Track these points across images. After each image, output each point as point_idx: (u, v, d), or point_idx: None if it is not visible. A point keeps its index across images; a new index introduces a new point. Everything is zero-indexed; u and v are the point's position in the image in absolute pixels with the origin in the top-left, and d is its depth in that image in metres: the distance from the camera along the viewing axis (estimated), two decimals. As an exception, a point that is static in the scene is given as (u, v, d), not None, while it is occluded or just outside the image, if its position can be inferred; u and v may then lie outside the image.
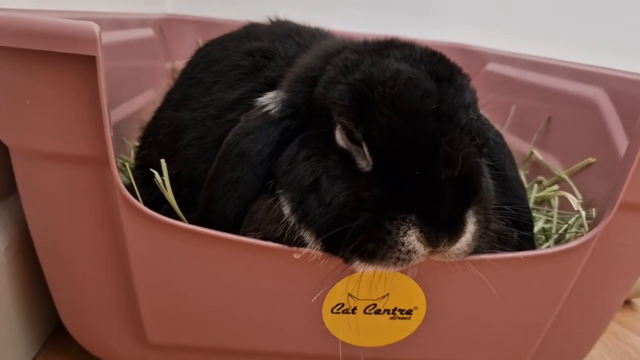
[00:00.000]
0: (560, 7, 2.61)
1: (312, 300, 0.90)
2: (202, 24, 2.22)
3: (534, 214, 1.30)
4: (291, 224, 0.86)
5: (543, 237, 1.25)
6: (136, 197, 0.87)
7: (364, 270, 0.82)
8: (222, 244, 0.87)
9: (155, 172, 0.93)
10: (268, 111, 0.94)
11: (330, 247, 0.84)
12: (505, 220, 0.94)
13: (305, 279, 0.90)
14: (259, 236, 0.88)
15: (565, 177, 1.34)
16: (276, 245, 0.87)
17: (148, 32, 1.88)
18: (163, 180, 0.94)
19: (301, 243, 0.86)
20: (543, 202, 1.38)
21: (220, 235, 0.86)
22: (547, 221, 1.30)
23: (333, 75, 0.89)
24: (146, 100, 1.68)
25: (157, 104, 1.33)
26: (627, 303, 1.66)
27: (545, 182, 1.44)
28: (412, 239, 0.77)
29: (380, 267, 0.80)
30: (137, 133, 1.45)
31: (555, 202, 1.31)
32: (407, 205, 0.77)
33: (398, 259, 0.78)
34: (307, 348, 0.99)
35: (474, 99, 0.89)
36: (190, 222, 0.91)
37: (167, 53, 2.04)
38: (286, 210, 0.87)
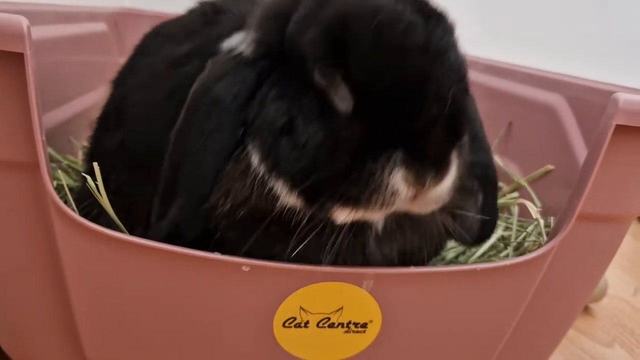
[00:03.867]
0: (522, 12, 2.63)
1: (262, 314, 0.86)
2: (161, 19, 2.10)
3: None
4: (260, 175, 0.77)
5: (502, 245, 1.24)
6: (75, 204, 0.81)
7: (347, 219, 0.75)
8: (163, 256, 0.81)
9: (88, 177, 0.86)
10: (240, 53, 0.83)
11: (307, 197, 0.75)
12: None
13: (254, 291, 0.85)
14: (229, 203, 0.79)
15: (525, 184, 1.33)
16: (223, 257, 0.82)
17: (100, 27, 1.81)
18: (97, 185, 0.87)
19: (273, 198, 0.77)
20: (503, 209, 1.37)
21: (160, 247, 0.80)
22: (507, 228, 1.29)
23: (306, 13, 0.78)
24: (97, 98, 1.62)
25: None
26: (585, 308, 1.66)
27: (505, 188, 1.43)
28: (398, 178, 0.70)
29: (365, 213, 0.74)
30: (86, 132, 1.39)
31: (515, 210, 1.30)
32: (392, 142, 0.70)
33: (383, 202, 0.71)
34: (257, 364, 0.94)
35: (460, 46, 0.81)
36: (146, 198, 0.82)
37: (121, 49, 1.95)
38: (254, 159, 0.77)
